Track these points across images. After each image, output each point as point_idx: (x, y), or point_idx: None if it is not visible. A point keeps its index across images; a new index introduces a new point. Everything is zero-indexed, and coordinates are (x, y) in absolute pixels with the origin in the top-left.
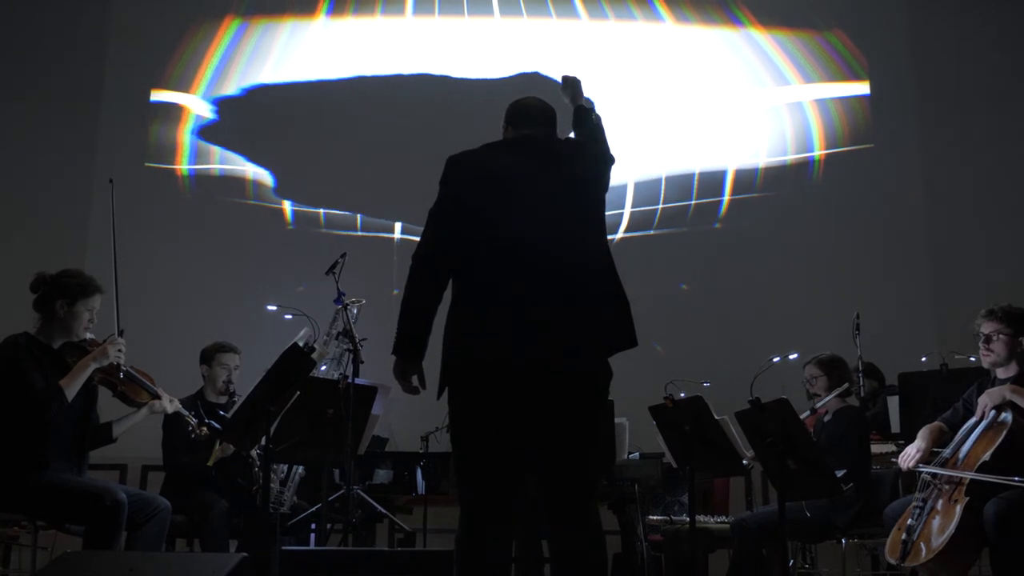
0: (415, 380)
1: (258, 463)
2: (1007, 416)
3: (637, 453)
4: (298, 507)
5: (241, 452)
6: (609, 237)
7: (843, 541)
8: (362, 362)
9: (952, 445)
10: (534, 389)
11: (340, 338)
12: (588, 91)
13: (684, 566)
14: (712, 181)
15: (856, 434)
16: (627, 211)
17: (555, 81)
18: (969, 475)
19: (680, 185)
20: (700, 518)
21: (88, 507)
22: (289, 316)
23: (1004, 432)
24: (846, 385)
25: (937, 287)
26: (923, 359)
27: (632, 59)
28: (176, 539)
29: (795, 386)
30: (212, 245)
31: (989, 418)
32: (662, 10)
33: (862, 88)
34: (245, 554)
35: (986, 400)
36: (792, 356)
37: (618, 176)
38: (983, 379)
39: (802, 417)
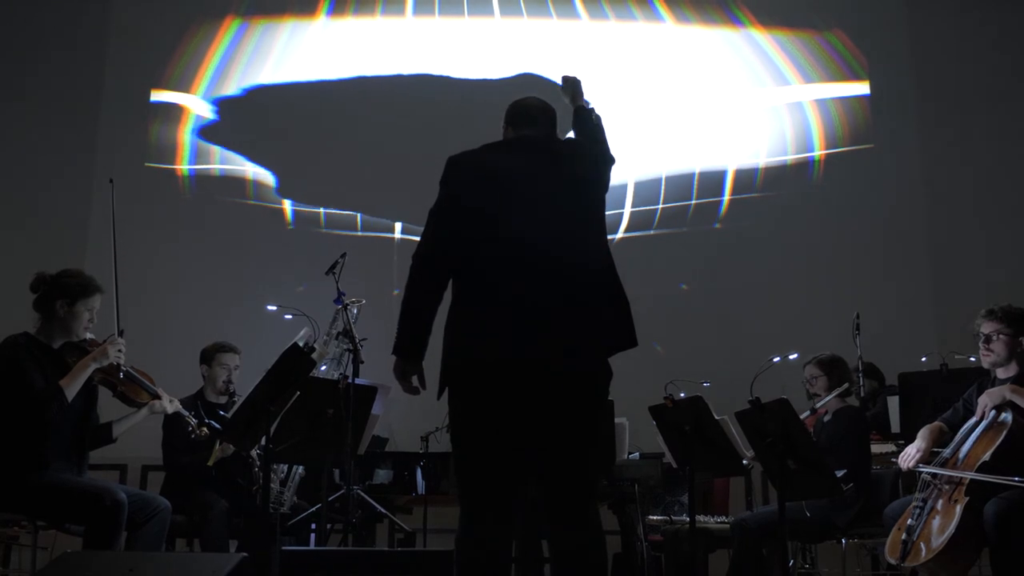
0: (415, 380)
1: (258, 463)
2: (1007, 416)
3: (637, 453)
4: (298, 507)
5: (241, 452)
6: (609, 237)
7: (843, 541)
8: (362, 362)
9: (952, 445)
10: (534, 389)
11: (340, 338)
12: (588, 91)
13: (684, 566)
14: (712, 181)
15: (856, 434)
16: (627, 211)
17: (555, 83)
18: (969, 475)
19: (680, 185)
20: (700, 518)
21: (88, 507)
22: (289, 316)
23: (1004, 432)
24: (846, 385)
25: (937, 287)
26: (923, 359)
27: (632, 59)
28: (176, 539)
29: (795, 386)
30: (212, 245)
31: (989, 418)
32: (662, 10)
33: (862, 88)
34: (245, 554)
35: (986, 400)
36: (792, 356)
37: (618, 176)
38: (983, 379)
39: (802, 417)
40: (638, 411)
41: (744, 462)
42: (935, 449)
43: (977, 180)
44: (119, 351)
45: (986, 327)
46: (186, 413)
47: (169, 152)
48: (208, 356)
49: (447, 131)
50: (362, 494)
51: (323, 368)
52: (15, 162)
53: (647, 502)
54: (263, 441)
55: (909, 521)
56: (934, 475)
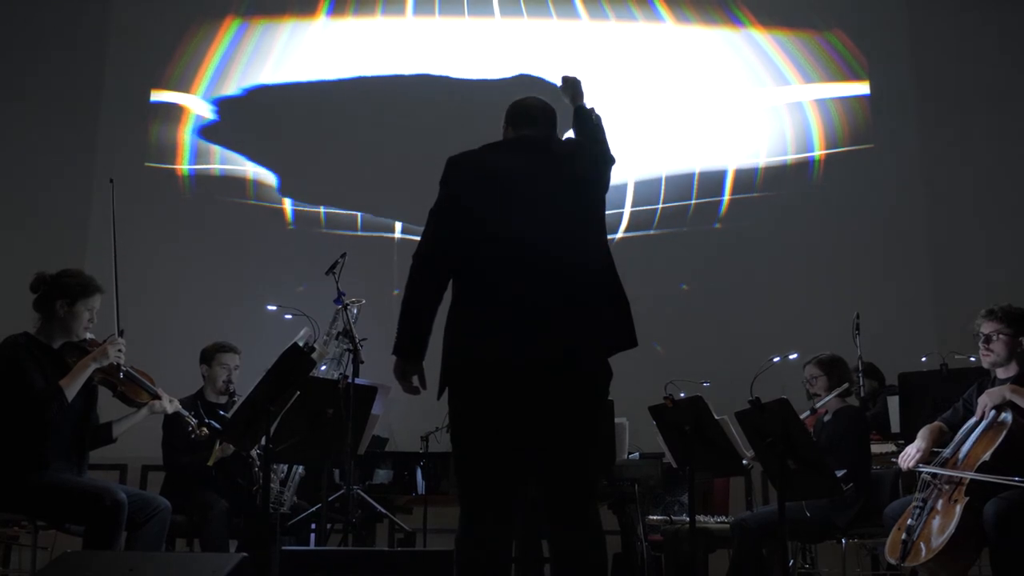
0: (415, 380)
1: (258, 463)
2: (1007, 416)
3: (637, 453)
4: (298, 507)
5: (241, 452)
6: (609, 237)
7: (843, 541)
8: (362, 362)
9: (952, 445)
10: (534, 389)
11: (340, 338)
12: (588, 91)
13: (684, 566)
14: (712, 181)
15: (856, 434)
16: (627, 210)
17: (554, 85)
18: (969, 475)
19: (680, 185)
20: (700, 518)
21: (88, 507)
22: (289, 316)
23: (1004, 432)
24: (846, 385)
25: (937, 287)
26: (923, 359)
27: (632, 59)
28: (176, 539)
29: (795, 386)
30: (212, 245)
31: (989, 418)
32: (662, 10)
33: (862, 88)
34: (245, 554)
35: (986, 400)
36: (792, 356)
37: (618, 175)
38: (983, 379)
39: (802, 417)
40: (638, 411)
41: (744, 462)
42: (935, 449)
43: (977, 180)
44: (119, 351)
45: (986, 327)
46: (186, 413)
47: (169, 152)
48: (208, 356)
49: (447, 131)
50: (362, 494)
51: (323, 368)
52: (15, 162)
53: (647, 502)
54: (263, 441)
55: (909, 521)
56: (934, 475)
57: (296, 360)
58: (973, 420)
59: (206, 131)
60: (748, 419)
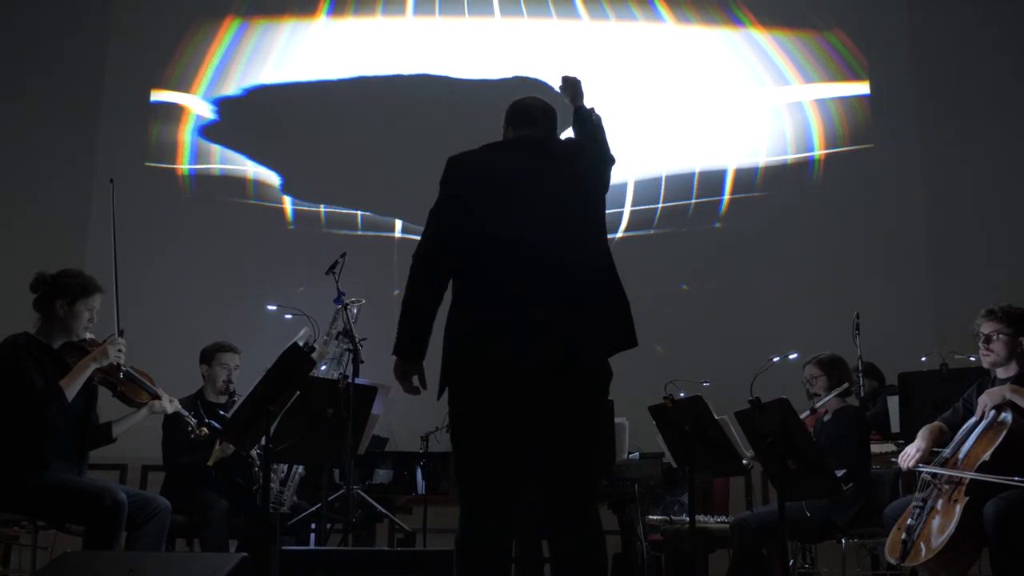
0: (415, 380)
1: (258, 463)
2: (1007, 416)
3: (637, 453)
4: (298, 507)
5: (241, 452)
6: (609, 236)
7: (843, 541)
8: (362, 362)
9: (952, 445)
10: (534, 389)
11: (340, 338)
12: (588, 91)
13: (684, 566)
14: (712, 180)
15: (856, 434)
16: (627, 210)
17: (554, 90)
18: (969, 475)
19: (680, 184)
20: (700, 518)
21: (88, 507)
22: (289, 316)
23: (1004, 432)
24: (846, 385)
25: (937, 287)
26: (923, 359)
27: (632, 59)
28: (176, 539)
29: (795, 386)
30: (212, 245)
31: (989, 418)
32: (663, 10)
33: (862, 88)
34: (245, 554)
35: (986, 400)
36: (792, 356)
37: (618, 175)
38: (983, 379)
39: (802, 417)
40: (638, 411)
41: (744, 462)
42: (935, 449)
43: (977, 180)
44: (119, 351)
45: (986, 327)
46: (186, 413)
47: (169, 152)
48: (208, 356)
49: (447, 131)
50: (362, 494)
51: (323, 368)
52: (15, 162)
53: (647, 502)
54: (263, 441)
55: (909, 521)
56: (934, 475)
57: (296, 360)
58: (973, 420)
59: (206, 131)
60: (748, 419)
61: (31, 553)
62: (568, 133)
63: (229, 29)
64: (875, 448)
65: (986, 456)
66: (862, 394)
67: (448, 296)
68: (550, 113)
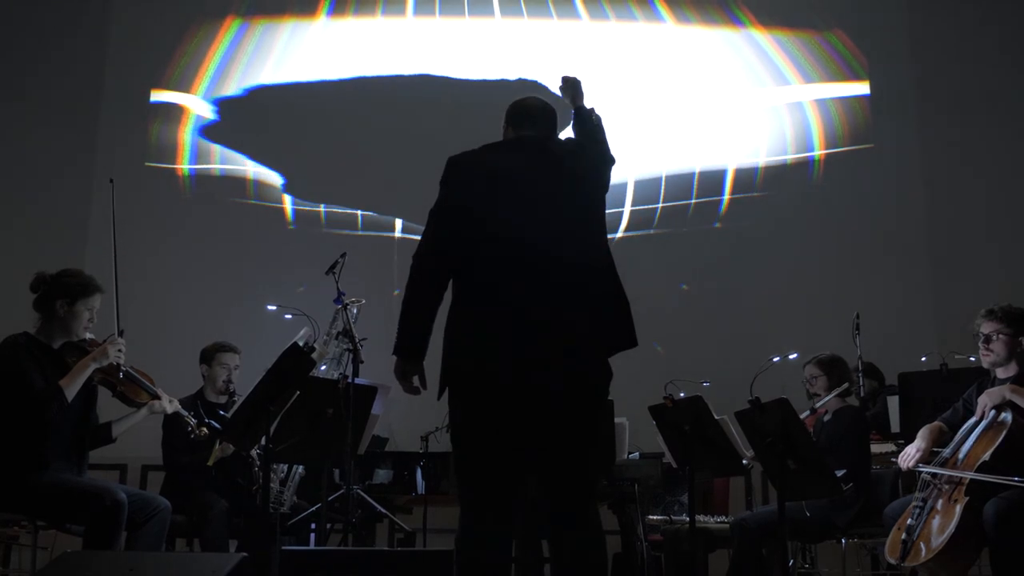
0: (416, 380)
1: (258, 463)
2: (1007, 416)
3: (637, 453)
4: (298, 507)
5: (241, 452)
6: (609, 236)
7: (843, 541)
8: (362, 362)
9: (952, 445)
10: (534, 389)
11: (340, 338)
12: (589, 91)
13: (684, 566)
14: (712, 180)
15: (856, 434)
16: (627, 209)
17: (555, 94)
18: (969, 475)
19: (680, 184)
20: (700, 518)
21: (88, 507)
22: (289, 316)
23: (1004, 432)
24: (846, 385)
25: (937, 287)
26: (923, 359)
27: (633, 59)
28: (176, 539)
29: (795, 386)
30: (212, 245)
31: (989, 418)
32: (663, 11)
33: (862, 88)
34: (245, 554)
35: (986, 400)
36: (792, 356)
37: (618, 175)
38: (983, 379)
39: (802, 417)
40: (638, 411)
41: (744, 462)
42: (935, 449)
43: (977, 180)
44: (119, 351)
45: (986, 327)
46: (185, 413)
47: (169, 152)
48: (208, 356)
49: (447, 131)
50: (362, 494)
51: (323, 368)
52: (15, 162)
53: (647, 502)
54: (263, 441)
55: (909, 521)
56: (934, 475)
57: (296, 360)
58: (973, 420)
59: (206, 131)
60: (748, 419)
61: (31, 553)
62: (568, 133)
63: (229, 29)
64: (875, 448)
65: (986, 456)
66: (862, 394)
67: (448, 296)
68: (550, 113)
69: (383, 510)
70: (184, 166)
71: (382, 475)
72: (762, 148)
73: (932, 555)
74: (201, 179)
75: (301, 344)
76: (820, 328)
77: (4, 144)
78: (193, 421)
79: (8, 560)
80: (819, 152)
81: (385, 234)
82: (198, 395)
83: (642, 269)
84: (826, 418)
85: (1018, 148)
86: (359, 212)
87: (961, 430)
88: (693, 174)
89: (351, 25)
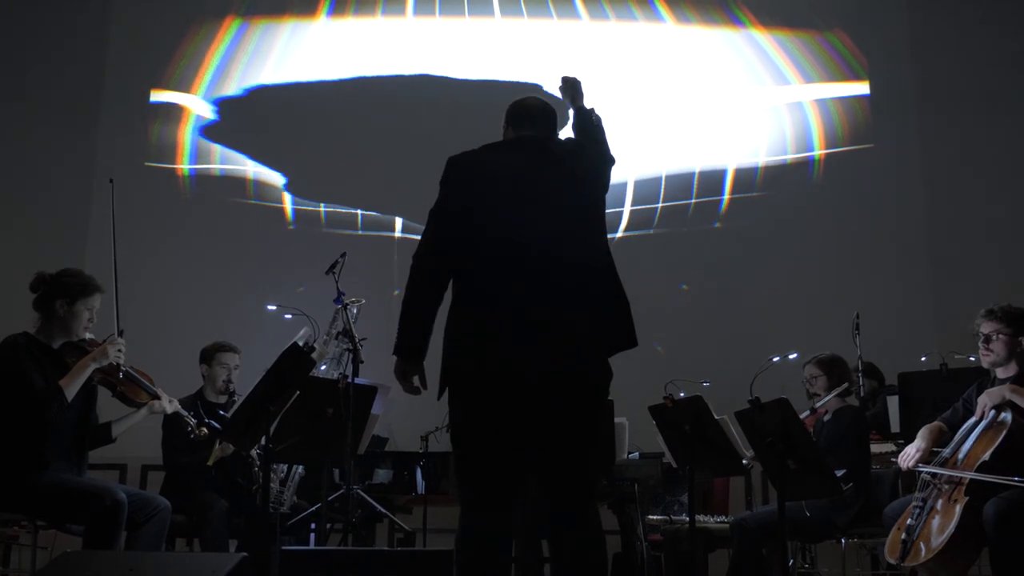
0: (416, 380)
1: (258, 463)
2: (1007, 416)
3: (637, 453)
4: (298, 507)
5: (241, 452)
6: (609, 236)
7: (843, 541)
8: (362, 362)
9: (952, 445)
10: (534, 389)
11: (340, 338)
12: (589, 91)
13: (684, 566)
14: (712, 180)
15: (856, 434)
16: (627, 209)
17: (554, 96)
18: (969, 475)
19: (680, 184)
20: (700, 518)
21: (88, 507)
22: (289, 316)
23: (1004, 432)
24: (846, 385)
25: (937, 287)
26: (923, 359)
27: (633, 59)
28: (176, 539)
29: (795, 386)
30: (212, 245)
31: (989, 418)
32: (663, 10)
33: (862, 88)
34: (245, 554)
35: (986, 400)
36: (792, 356)
37: (618, 174)
38: (983, 379)
39: (802, 417)
40: (638, 411)
41: (744, 462)
42: (935, 449)
43: (977, 180)
44: (119, 351)
45: (986, 327)
46: (185, 413)
47: (169, 152)
48: (208, 356)
49: (447, 131)
50: (362, 494)
51: (323, 368)
52: (15, 162)
53: (647, 502)
54: (263, 441)
55: (909, 521)
56: (934, 475)
57: (296, 360)
58: (973, 420)
59: (206, 131)
60: (748, 419)
61: (31, 553)
62: (568, 133)
63: (229, 29)
64: (875, 448)
65: (986, 456)
66: (862, 394)
67: (448, 296)
68: (550, 113)
69: (383, 510)
70: (184, 166)
71: (382, 475)
72: (762, 148)
73: (932, 555)
74: (201, 179)
75: (301, 344)
76: (820, 328)
77: (4, 144)
78: (193, 421)
79: (8, 560)
80: (819, 152)
81: (385, 234)
82: (198, 395)
83: (642, 269)
84: (826, 418)
85: (1018, 148)
86: (359, 212)
87: (961, 430)
88: (693, 174)
89: (351, 25)
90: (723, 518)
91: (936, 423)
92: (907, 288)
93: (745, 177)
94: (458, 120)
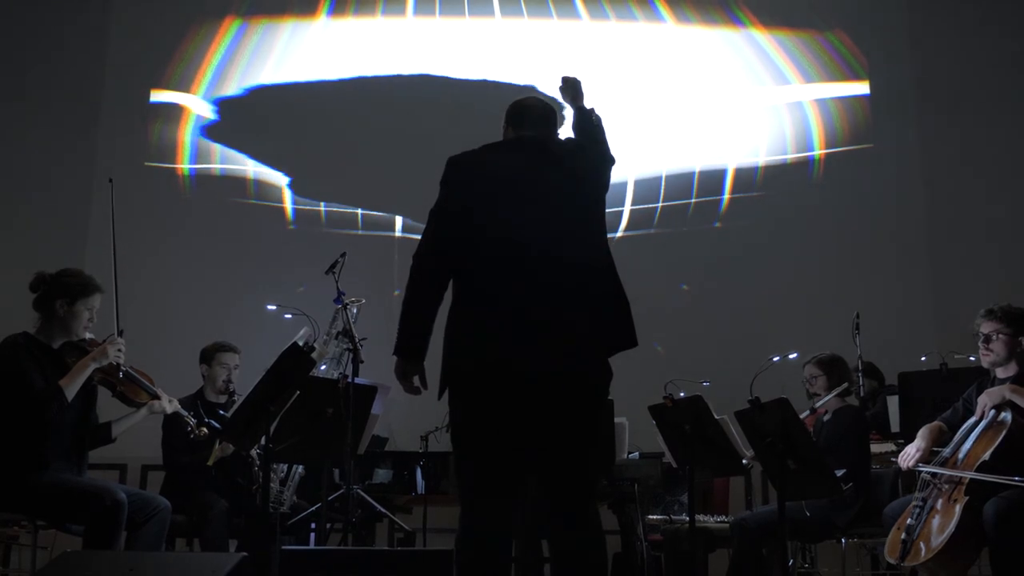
0: (416, 380)
1: (258, 463)
2: (1007, 416)
3: (637, 453)
4: (298, 507)
5: (241, 452)
6: (609, 236)
7: (843, 541)
8: (362, 362)
9: (952, 445)
10: (534, 389)
11: (340, 338)
12: (589, 91)
13: (684, 566)
14: (712, 180)
15: (856, 434)
16: (627, 209)
17: (555, 99)
18: (969, 475)
19: (680, 184)
20: (700, 518)
21: (88, 507)
22: (289, 316)
23: (1004, 432)
24: (846, 385)
25: (937, 287)
26: (923, 359)
27: (633, 59)
28: (176, 539)
29: (795, 386)
30: (212, 245)
31: (989, 418)
32: (663, 10)
33: (862, 88)
34: (245, 554)
35: (986, 400)
36: (792, 356)
37: (618, 174)
38: (983, 379)
39: (802, 417)
40: (638, 411)
41: (744, 462)
42: (935, 449)
43: (977, 180)
44: (119, 351)
45: (986, 327)
46: (185, 413)
47: (169, 152)
48: (208, 356)
49: (447, 131)
50: (362, 494)
51: (323, 368)
52: (15, 162)
53: (647, 502)
54: (263, 441)
55: (909, 521)
56: (934, 475)
57: (296, 360)
58: (973, 420)
59: (206, 131)
60: (748, 419)
61: (31, 553)
62: (568, 133)
63: (229, 29)
64: (875, 448)
65: (986, 456)
66: (862, 394)
67: (448, 296)
68: (550, 113)
69: (383, 510)
70: (184, 166)
71: (382, 475)
72: (762, 148)
73: (932, 555)
74: (201, 179)
75: (301, 344)
76: (820, 328)
77: (4, 144)
78: (193, 421)
79: (8, 560)
80: (819, 152)
81: (385, 234)
82: (198, 395)
83: (642, 269)
84: (826, 418)
85: (1018, 148)
86: (359, 211)
87: (961, 430)
88: (693, 174)
89: (351, 25)
90: (723, 518)
91: (936, 423)
92: (907, 288)
93: (745, 177)
94: (458, 120)
